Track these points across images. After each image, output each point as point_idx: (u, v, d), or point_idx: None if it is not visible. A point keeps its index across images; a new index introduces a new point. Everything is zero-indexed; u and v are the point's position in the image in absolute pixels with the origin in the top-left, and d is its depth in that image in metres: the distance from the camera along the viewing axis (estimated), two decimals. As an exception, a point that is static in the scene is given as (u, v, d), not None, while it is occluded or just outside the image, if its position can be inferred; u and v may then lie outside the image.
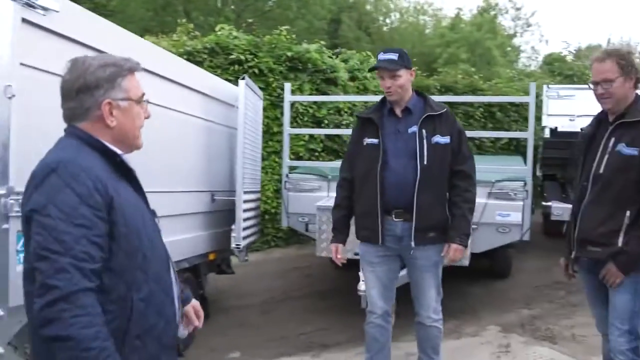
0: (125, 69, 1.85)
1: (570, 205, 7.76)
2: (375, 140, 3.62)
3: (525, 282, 6.90)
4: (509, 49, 28.20)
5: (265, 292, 6.74)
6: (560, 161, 10.14)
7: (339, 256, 3.83)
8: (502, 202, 5.36)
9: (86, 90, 1.78)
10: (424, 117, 3.57)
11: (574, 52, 30.05)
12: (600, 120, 3.45)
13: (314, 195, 5.85)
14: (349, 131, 8.82)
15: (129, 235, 1.72)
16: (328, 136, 8.83)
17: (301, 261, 8.17)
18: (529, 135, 5.64)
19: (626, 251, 3.12)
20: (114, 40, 3.64)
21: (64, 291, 1.53)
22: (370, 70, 3.69)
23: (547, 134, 7.40)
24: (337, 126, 8.92)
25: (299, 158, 8.19)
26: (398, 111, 3.66)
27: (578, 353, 4.74)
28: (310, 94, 8.60)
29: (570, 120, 7.48)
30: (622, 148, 3.16)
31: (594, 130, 3.44)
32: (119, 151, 1.83)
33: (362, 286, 4.47)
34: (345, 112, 9.05)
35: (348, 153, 3.90)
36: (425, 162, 3.53)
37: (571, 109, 7.41)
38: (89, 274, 1.58)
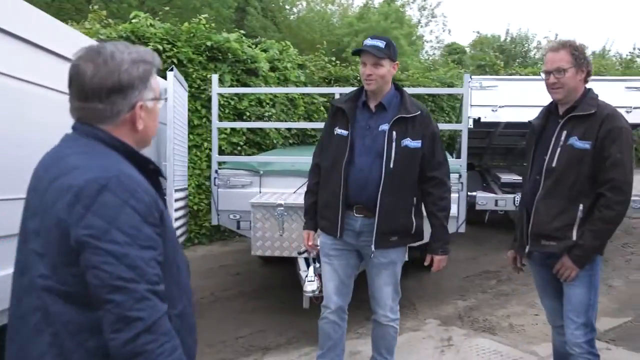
0: (155, 65, 1.67)
1: (493, 195, 8.02)
2: (344, 132, 3.50)
3: (456, 273, 6.96)
4: (413, 38, 28.73)
5: (193, 293, 6.39)
6: (479, 150, 10.40)
7: (310, 243, 3.72)
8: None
9: (119, 91, 1.58)
10: (395, 118, 3.43)
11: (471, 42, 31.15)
12: (549, 112, 3.45)
13: (246, 191, 5.63)
14: (281, 124, 8.81)
15: (169, 248, 1.63)
16: (250, 129, 8.56)
17: (227, 259, 7.89)
18: (463, 126, 5.65)
19: (581, 245, 3.14)
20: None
21: (147, 322, 1.45)
22: (354, 53, 3.49)
23: (470, 124, 7.45)
24: (260, 118, 8.68)
25: (222, 152, 7.91)
26: (372, 105, 3.52)
27: (519, 343, 4.79)
28: (230, 85, 8.31)
29: (493, 110, 7.58)
30: (575, 142, 3.17)
31: (543, 122, 3.43)
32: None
33: (308, 287, 4.32)
34: (267, 103, 8.81)
35: (321, 139, 3.79)
36: (391, 165, 3.41)
37: (494, 100, 7.50)
38: (163, 297, 1.51)
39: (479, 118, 7.53)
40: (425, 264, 3.68)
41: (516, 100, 7.64)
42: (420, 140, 3.48)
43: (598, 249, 3.19)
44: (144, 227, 1.50)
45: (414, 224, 3.57)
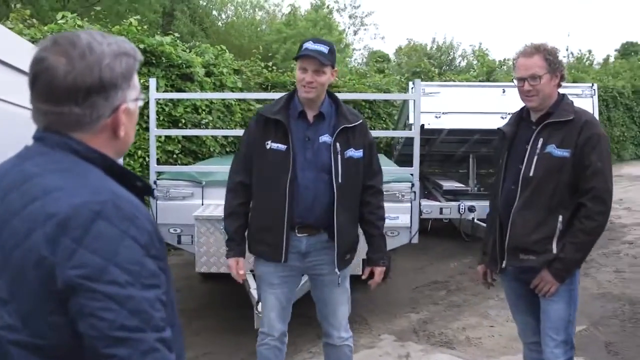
0: (137, 59, 1.37)
1: (437, 203, 7.92)
2: (282, 147, 3.15)
3: (404, 284, 6.77)
4: (342, 45, 28.84)
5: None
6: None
7: (241, 272, 3.34)
8: (390, 204, 5.13)
9: (101, 91, 1.28)
10: (339, 129, 3.17)
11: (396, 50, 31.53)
12: (520, 119, 3.29)
13: (187, 203, 5.26)
14: (221, 132, 8.37)
15: (169, 284, 1.36)
16: (186, 137, 8.14)
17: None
18: (414, 134, 5.48)
19: (562, 258, 2.99)
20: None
21: None
22: (296, 58, 3.15)
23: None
24: (196, 125, 8.26)
25: (156, 161, 7.46)
26: (310, 115, 3.22)
27: (478, 357, 4.64)
28: (165, 91, 7.85)
29: (436, 117, 7.51)
30: (553, 150, 3.02)
31: (514, 129, 3.27)
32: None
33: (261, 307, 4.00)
34: (203, 110, 8.40)
35: (243, 154, 3.35)
36: (340, 180, 3.16)
37: (437, 106, 7.43)
38: (171, 345, 1.24)
39: (423, 125, 7.41)
40: (364, 277, 3.44)
41: (459, 106, 7.60)
42: (362, 150, 3.26)
43: (579, 262, 3.06)
44: (146, 261, 1.22)
45: (358, 237, 3.40)
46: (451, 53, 31.89)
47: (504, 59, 19.60)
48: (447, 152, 10.00)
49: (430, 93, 7.56)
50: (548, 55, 3.05)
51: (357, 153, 3.23)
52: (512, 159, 3.20)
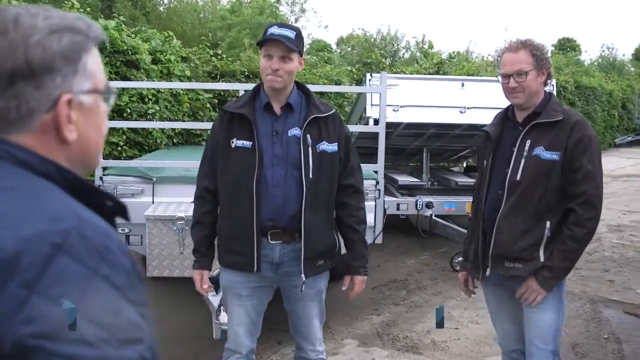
0: (92, 37, 1.04)
1: (394, 199, 7.73)
2: (248, 143, 2.87)
3: (363, 283, 6.57)
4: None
5: None
6: (369, 150, 10.12)
7: (204, 286, 3.06)
8: (353, 203, 4.93)
9: (29, 75, 0.96)
10: (309, 119, 2.89)
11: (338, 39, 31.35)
12: (505, 119, 3.11)
13: (136, 201, 4.88)
14: (171, 123, 7.91)
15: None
16: (131, 128, 7.69)
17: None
18: (380, 129, 5.25)
19: (550, 266, 2.84)
20: None
21: None
22: (260, 43, 2.84)
23: (371, 124, 7.11)
24: (141, 116, 7.81)
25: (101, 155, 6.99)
26: (277, 107, 2.93)
27: (446, 363, 4.47)
28: (109, 79, 7.36)
29: (394, 110, 7.27)
30: (541, 152, 2.86)
31: (500, 129, 3.09)
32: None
33: (225, 318, 3.71)
34: (150, 99, 7.95)
35: (208, 156, 3.05)
36: (310, 175, 2.87)
37: (395, 100, 7.18)
38: None
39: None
40: (344, 287, 3.18)
41: (417, 100, 7.41)
42: (336, 143, 2.98)
43: (567, 270, 2.91)
44: (124, 308, 0.91)
45: (337, 242, 3.11)
46: (395, 44, 31.91)
47: (454, 52, 19.73)
48: (400, 145, 9.85)
49: (389, 85, 7.33)
50: (535, 50, 2.88)
51: (331, 146, 2.96)
52: (497, 162, 3.02)
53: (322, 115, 2.94)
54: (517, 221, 2.89)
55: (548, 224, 2.85)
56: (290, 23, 28.74)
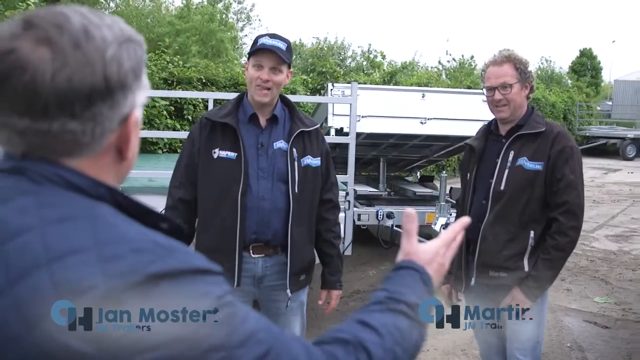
0: (144, 47, 0.98)
1: (355, 209, 7.72)
2: (232, 154, 2.81)
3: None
4: (241, 43, 28.30)
5: None
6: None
7: None
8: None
9: (107, 96, 0.88)
10: (296, 133, 2.87)
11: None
12: (489, 133, 3.15)
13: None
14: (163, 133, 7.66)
15: None
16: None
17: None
18: (350, 139, 5.24)
19: (534, 275, 2.88)
20: None
21: None
22: (251, 54, 2.79)
23: (332, 134, 7.11)
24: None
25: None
26: (262, 119, 2.89)
27: (419, 374, 4.47)
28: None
29: (357, 121, 7.27)
30: (525, 162, 2.91)
31: (483, 144, 3.13)
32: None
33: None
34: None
35: (184, 165, 2.95)
36: (296, 190, 2.85)
37: (357, 110, 7.19)
38: None
39: (342, 128, 7.21)
40: (321, 302, 3.17)
41: (377, 110, 7.44)
42: (319, 158, 2.98)
43: (552, 279, 2.95)
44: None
45: (315, 257, 3.10)
46: (342, 53, 32.10)
47: (405, 62, 19.97)
48: (357, 155, 9.87)
49: (349, 95, 7.36)
50: (519, 64, 2.94)
51: (315, 161, 2.95)
52: (481, 174, 3.06)
53: (307, 129, 2.92)
54: (501, 230, 2.93)
55: (532, 233, 2.90)
56: (231, 27, 28.65)
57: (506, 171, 2.93)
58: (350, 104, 5.20)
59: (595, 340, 5.16)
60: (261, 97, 2.80)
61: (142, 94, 0.97)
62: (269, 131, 2.89)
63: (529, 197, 2.88)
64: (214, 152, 2.83)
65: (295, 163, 2.86)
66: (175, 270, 0.83)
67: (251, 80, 2.81)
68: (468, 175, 3.13)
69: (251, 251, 2.85)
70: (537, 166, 2.87)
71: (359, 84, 7.38)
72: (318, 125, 3.02)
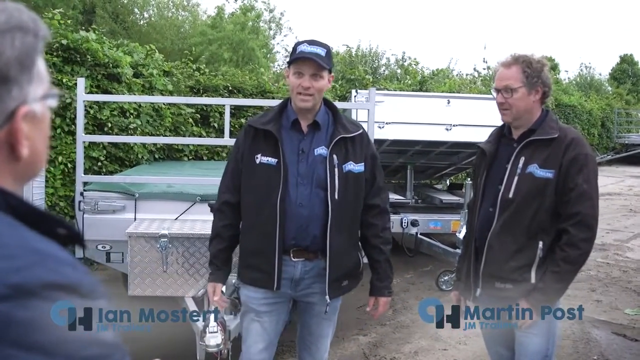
0: (41, 36, 0.90)
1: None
2: (273, 160, 2.85)
3: (348, 303, 6.34)
4: (263, 50, 28.40)
5: None
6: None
7: (215, 298, 3.02)
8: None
9: None
10: (336, 139, 2.86)
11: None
12: (501, 135, 3.06)
13: (118, 217, 4.77)
14: (155, 139, 7.74)
15: None
16: (112, 142, 7.54)
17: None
18: (367, 146, 5.18)
19: (542, 288, 2.77)
20: None
21: None
22: (291, 62, 2.83)
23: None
24: (123, 130, 7.67)
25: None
26: (304, 125, 2.90)
27: (435, 385, 4.38)
28: (90, 92, 7.20)
29: (380, 127, 7.20)
30: (535, 170, 2.80)
31: (495, 146, 3.04)
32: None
33: (211, 340, 3.58)
34: (131, 113, 7.82)
35: (231, 169, 3.03)
36: (336, 196, 2.84)
37: (380, 116, 7.12)
38: None
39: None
40: (369, 309, 3.15)
41: (403, 117, 7.38)
42: (363, 163, 2.94)
43: (560, 293, 2.84)
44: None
45: (361, 262, 3.07)
46: (376, 61, 32.00)
47: (437, 69, 19.77)
48: (383, 162, 9.79)
49: (375, 102, 7.29)
50: (527, 67, 2.82)
51: (357, 167, 2.93)
52: (491, 179, 2.97)
53: (348, 135, 2.91)
54: (508, 240, 2.84)
55: (541, 244, 2.79)
56: (267, 36, 28.81)
57: (515, 178, 2.84)
58: (368, 110, 5.14)
59: (623, 354, 4.99)
60: (303, 103, 2.83)
61: (37, 87, 0.90)
62: (310, 137, 2.91)
63: (538, 206, 2.78)
64: (257, 158, 2.89)
65: (336, 169, 2.86)
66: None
67: (293, 88, 2.85)
68: (479, 179, 3.05)
69: (291, 255, 2.89)
70: (547, 174, 2.77)
71: (382, 89, 7.32)
72: (361, 131, 2.99)
